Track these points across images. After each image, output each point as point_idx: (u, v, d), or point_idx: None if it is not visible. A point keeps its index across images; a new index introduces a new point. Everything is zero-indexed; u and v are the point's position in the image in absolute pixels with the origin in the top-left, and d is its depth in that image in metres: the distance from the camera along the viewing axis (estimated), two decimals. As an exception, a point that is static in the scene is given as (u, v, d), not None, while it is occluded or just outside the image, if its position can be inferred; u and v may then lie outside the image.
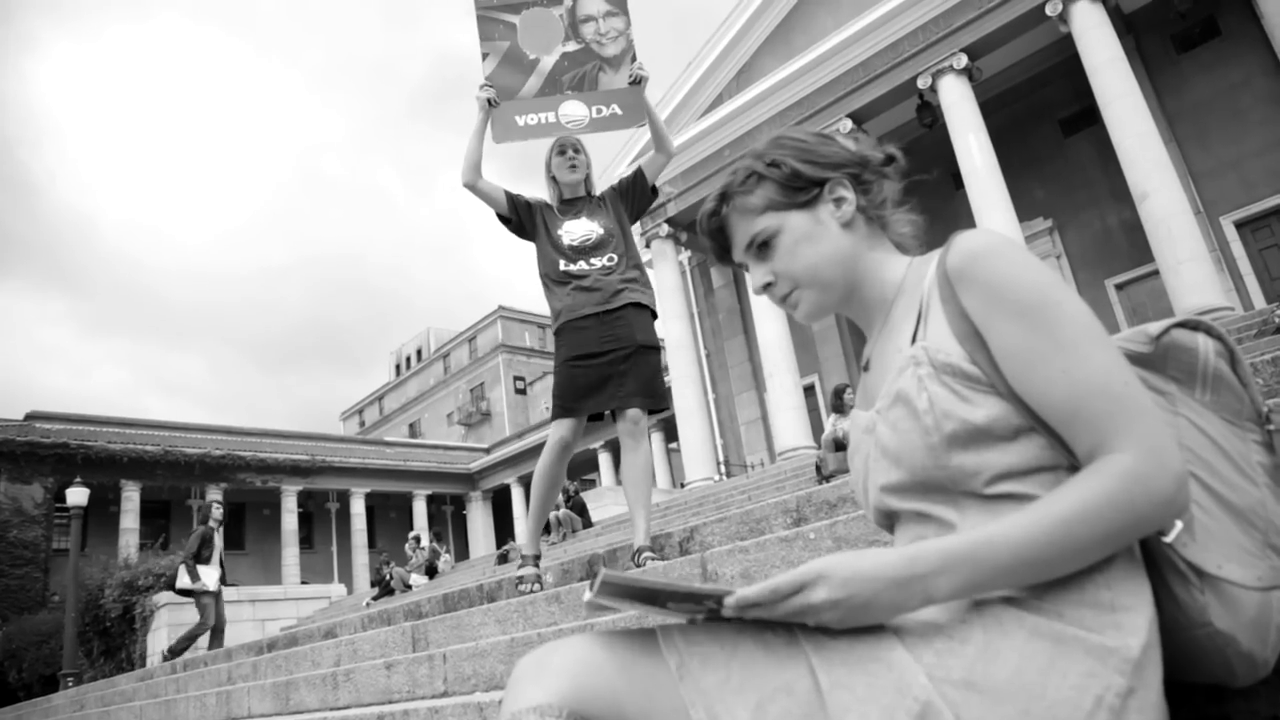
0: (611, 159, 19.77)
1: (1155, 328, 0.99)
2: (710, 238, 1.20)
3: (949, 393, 0.93)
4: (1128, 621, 0.84)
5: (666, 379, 21.28)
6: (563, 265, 3.89)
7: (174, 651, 9.40)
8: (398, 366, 54.50)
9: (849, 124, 16.05)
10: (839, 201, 1.12)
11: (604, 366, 3.77)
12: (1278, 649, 0.89)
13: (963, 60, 14.85)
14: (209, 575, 9.31)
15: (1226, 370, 0.97)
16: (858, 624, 0.85)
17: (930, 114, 15.75)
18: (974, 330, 0.94)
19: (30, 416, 27.05)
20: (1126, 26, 15.03)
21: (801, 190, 1.11)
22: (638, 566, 3.60)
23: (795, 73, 17.09)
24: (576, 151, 3.98)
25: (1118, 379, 0.86)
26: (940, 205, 16.34)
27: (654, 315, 3.98)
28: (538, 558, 4.13)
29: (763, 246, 1.14)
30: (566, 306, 3.86)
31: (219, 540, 9.77)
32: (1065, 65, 15.28)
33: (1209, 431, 0.94)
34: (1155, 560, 0.90)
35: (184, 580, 9.28)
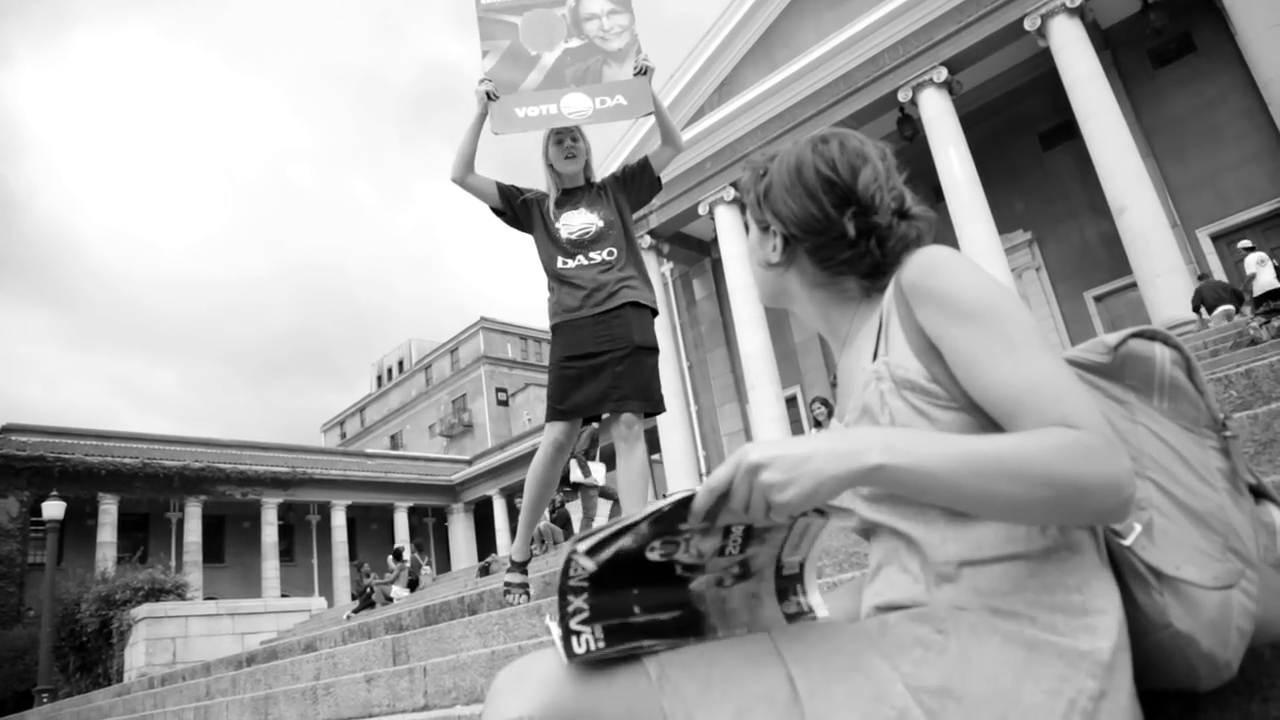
0: (610, 149, 19.77)
1: (1113, 338, 1.01)
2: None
3: (909, 408, 0.95)
4: (1098, 624, 0.85)
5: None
6: (560, 261, 3.74)
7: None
8: (379, 378, 54.22)
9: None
10: (775, 245, 1.16)
11: (598, 367, 3.62)
12: (1239, 652, 0.91)
13: (943, 74, 14.99)
14: (598, 471, 9.95)
15: (1183, 379, 0.98)
16: (811, 499, 0.82)
17: (911, 127, 15.88)
18: (929, 344, 0.96)
19: (6, 429, 26.70)
20: (1104, 41, 15.21)
21: (758, 214, 1.18)
22: None
23: (777, 85, 17.20)
24: (575, 140, 3.81)
25: (1064, 377, 0.88)
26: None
27: (654, 314, 3.84)
28: (526, 564, 3.94)
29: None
30: (563, 305, 3.72)
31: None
32: (1044, 80, 15.43)
33: (1167, 439, 0.96)
34: (1117, 565, 0.92)
35: (577, 474, 9.84)
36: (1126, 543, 0.90)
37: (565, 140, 3.80)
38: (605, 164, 19.34)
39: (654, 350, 3.75)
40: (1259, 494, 1.00)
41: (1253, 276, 10.80)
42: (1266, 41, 12.32)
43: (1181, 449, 0.96)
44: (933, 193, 15.26)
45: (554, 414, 3.71)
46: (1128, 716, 0.84)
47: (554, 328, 3.79)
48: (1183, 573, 0.89)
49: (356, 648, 4.26)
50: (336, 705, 3.45)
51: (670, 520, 0.84)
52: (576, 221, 3.77)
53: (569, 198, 3.85)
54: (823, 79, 16.69)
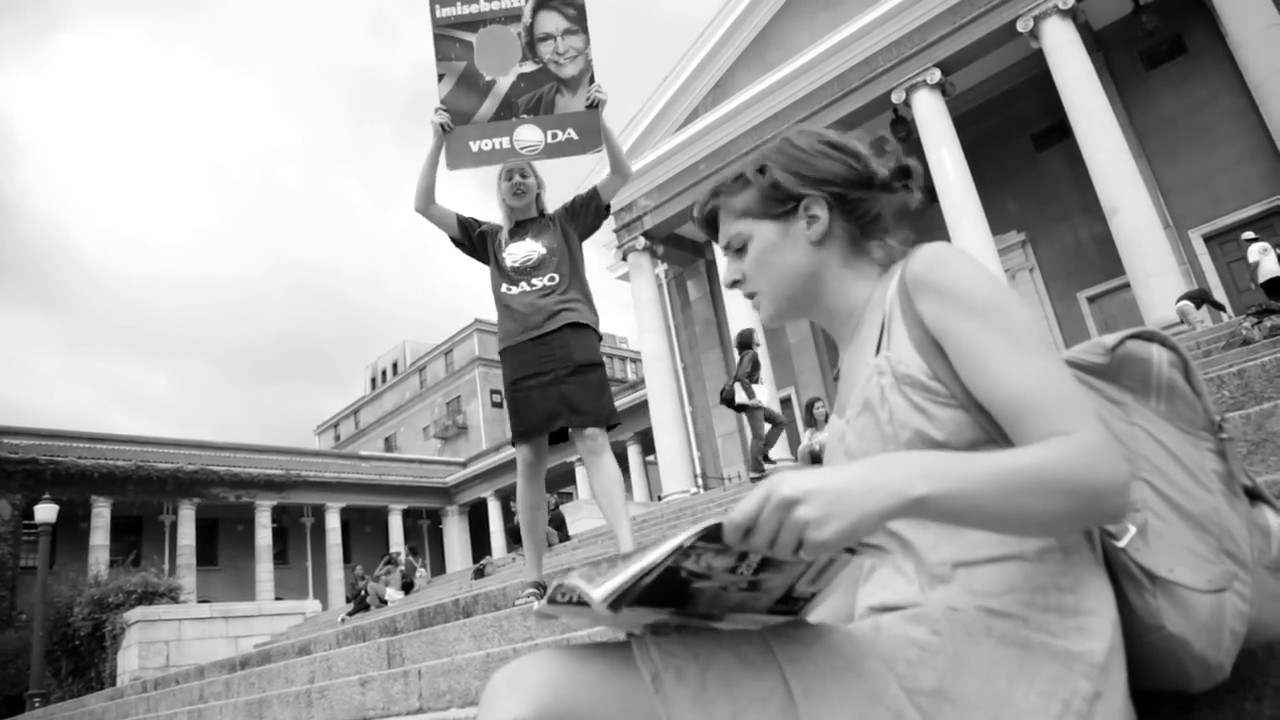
0: (588, 172, 19.80)
1: (1111, 339, 1.01)
2: (704, 223, 1.25)
3: (908, 404, 0.95)
4: (1092, 625, 0.85)
5: (642, 392, 21.26)
6: (503, 288, 3.90)
7: (765, 457, 10.06)
8: (373, 380, 54.12)
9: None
10: (812, 220, 1.13)
11: (546, 386, 3.76)
12: (1232, 654, 0.91)
13: (936, 75, 15.02)
14: (762, 392, 10.14)
15: (1180, 380, 0.98)
16: (850, 537, 0.77)
17: (904, 128, 15.90)
18: (931, 339, 0.96)
19: (-2, 432, 26.62)
20: (1096, 43, 15.26)
21: (779, 202, 1.14)
22: None
23: (770, 87, 17.22)
24: (524, 176, 3.94)
25: (1066, 378, 0.89)
26: (914, 219, 16.49)
27: (597, 335, 3.95)
28: (542, 585, 3.97)
29: (739, 248, 1.18)
30: (506, 332, 3.88)
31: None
32: (1037, 81, 15.47)
33: (1164, 440, 0.96)
34: (1111, 567, 0.92)
35: (741, 396, 9.99)
36: (1121, 544, 0.90)
37: (514, 177, 3.95)
38: (586, 181, 19.34)
39: (597, 365, 3.88)
40: (1254, 496, 0.99)
41: (1256, 265, 10.84)
42: (1258, 43, 12.38)
43: (1177, 451, 0.95)
44: (926, 194, 15.25)
45: (516, 437, 3.86)
46: (1122, 717, 0.84)
47: (501, 354, 3.95)
48: (1176, 575, 0.89)
49: (351, 651, 4.25)
50: (331, 708, 3.44)
51: (689, 549, 0.78)
52: (520, 250, 3.93)
53: (520, 229, 4.01)
54: (817, 81, 16.71)
